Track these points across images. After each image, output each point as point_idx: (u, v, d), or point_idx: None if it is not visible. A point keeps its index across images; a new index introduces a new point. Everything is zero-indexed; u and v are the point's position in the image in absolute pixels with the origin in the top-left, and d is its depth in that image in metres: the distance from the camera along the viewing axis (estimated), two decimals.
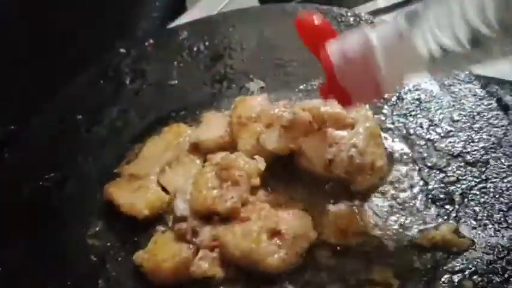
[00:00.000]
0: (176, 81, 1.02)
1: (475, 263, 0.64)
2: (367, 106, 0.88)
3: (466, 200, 0.71)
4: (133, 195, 0.77)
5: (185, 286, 0.66)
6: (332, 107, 0.83)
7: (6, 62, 1.07)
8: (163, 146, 0.86)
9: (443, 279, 0.63)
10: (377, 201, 0.73)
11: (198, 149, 0.84)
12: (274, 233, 0.67)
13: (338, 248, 0.68)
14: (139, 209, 0.74)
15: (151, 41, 1.10)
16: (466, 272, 0.63)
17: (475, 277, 0.62)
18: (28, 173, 0.85)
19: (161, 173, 0.81)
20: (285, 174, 0.78)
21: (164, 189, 0.79)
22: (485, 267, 0.63)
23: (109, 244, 0.73)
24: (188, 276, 0.66)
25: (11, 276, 0.69)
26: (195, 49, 1.08)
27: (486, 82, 0.90)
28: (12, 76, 1.06)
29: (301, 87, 0.96)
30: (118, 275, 0.69)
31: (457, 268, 0.64)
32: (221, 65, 1.04)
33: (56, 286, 0.68)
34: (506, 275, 0.61)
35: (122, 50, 1.08)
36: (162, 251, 0.67)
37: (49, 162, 0.86)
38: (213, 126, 0.87)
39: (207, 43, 1.09)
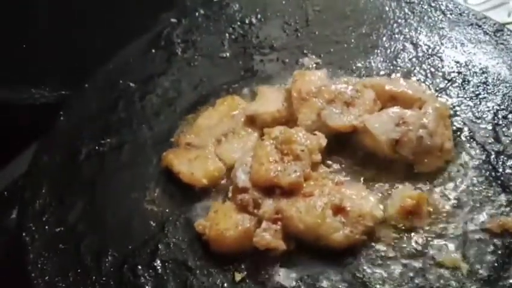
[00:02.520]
0: (227, 54, 1.00)
1: None
2: (430, 87, 0.85)
3: None
4: (191, 164, 0.76)
5: (243, 256, 0.66)
6: (397, 85, 0.80)
7: (59, 28, 1.07)
8: (218, 118, 0.85)
9: None
10: (444, 184, 0.71)
11: (254, 122, 0.83)
12: (339, 210, 0.66)
13: (403, 228, 0.66)
14: (198, 178, 0.74)
15: (202, 11, 1.09)
16: None
17: None
18: (84, 137, 0.85)
19: (218, 144, 0.80)
20: (346, 151, 0.76)
21: (220, 159, 0.78)
22: None
23: (167, 211, 0.73)
24: (250, 247, 0.65)
25: (71, 236, 0.70)
26: (247, 21, 1.06)
27: None
28: (64, 42, 1.07)
29: (359, 64, 0.93)
30: (178, 241, 0.69)
31: None
32: (274, 38, 1.01)
33: (116, 249, 0.68)
34: None
35: (173, 20, 1.07)
36: (224, 221, 0.67)
37: (104, 127, 0.87)
38: (268, 100, 0.86)
39: (259, 16, 1.06)
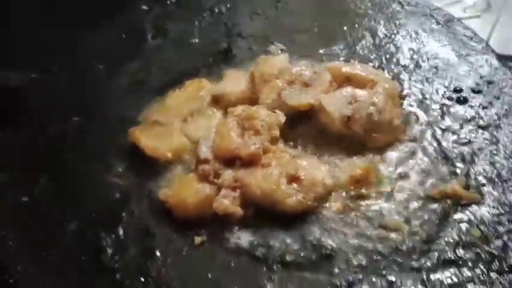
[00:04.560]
0: (197, 40, 1.04)
1: (483, 215, 0.67)
2: (385, 71, 0.91)
3: (476, 159, 0.74)
4: (157, 139, 0.79)
5: (204, 222, 0.69)
6: (351, 68, 0.86)
7: (29, 12, 1.09)
8: (185, 98, 0.89)
9: (451, 227, 0.66)
10: (392, 157, 0.76)
11: (219, 102, 0.87)
12: (293, 179, 0.70)
13: (352, 196, 0.71)
14: (163, 152, 0.77)
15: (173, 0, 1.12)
16: (474, 222, 0.66)
17: (482, 227, 0.65)
18: (52, 115, 0.87)
19: (184, 122, 0.84)
20: (303, 128, 0.81)
21: (186, 137, 0.82)
22: (492, 218, 0.66)
23: (132, 183, 0.76)
24: (210, 213, 0.69)
25: (36, 206, 0.72)
26: (217, 10, 1.10)
27: (500, 55, 0.92)
28: (34, 26, 1.08)
29: (321, 51, 0.98)
30: (141, 210, 0.72)
31: (465, 218, 0.67)
32: (242, 27, 1.06)
33: (80, 217, 0.71)
34: (511, 226, 0.65)
35: (145, 7, 1.10)
36: (186, 189, 0.70)
37: (72, 107, 0.89)
38: (233, 82, 0.90)
39: (228, 5, 1.11)
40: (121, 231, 0.68)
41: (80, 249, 0.66)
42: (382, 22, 1.03)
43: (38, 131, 0.84)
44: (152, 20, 1.08)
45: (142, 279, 0.63)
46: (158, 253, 0.66)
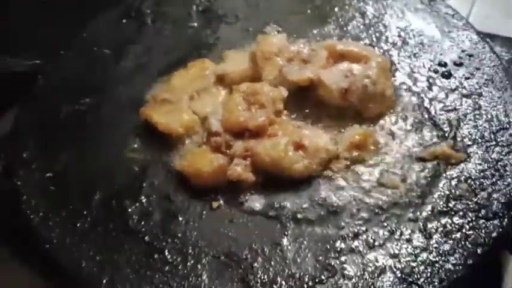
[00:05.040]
0: (195, 24, 1.08)
1: (469, 171, 0.75)
2: (376, 48, 0.98)
3: (462, 123, 0.82)
4: (167, 115, 0.84)
5: (219, 188, 0.75)
6: (346, 45, 0.92)
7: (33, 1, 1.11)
8: (190, 78, 0.94)
9: (442, 184, 0.74)
10: (387, 125, 0.84)
11: (223, 81, 0.92)
12: (299, 146, 0.77)
13: (353, 160, 0.78)
14: (175, 127, 0.82)
15: None
16: (462, 178, 0.75)
17: (469, 181, 0.74)
18: (63, 98, 0.91)
19: (191, 100, 0.89)
20: (305, 102, 0.87)
21: (194, 113, 0.87)
22: (477, 174, 0.75)
23: (148, 157, 0.81)
24: (224, 180, 0.75)
25: (60, 180, 0.77)
26: None
27: (479, 31, 1.00)
28: (38, 14, 1.10)
29: (314, 31, 1.04)
30: (160, 180, 0.77)
31: (454, 175, 0.75)
32: (238, 10, 1.10)
33: (103, 190, 0.76)
34: (494, 179, 0.73)
35: None
36: (201, 160, 0.76)
37: (82, 89, 0.93)
38: (235, 61, 0.95)
39: None
40: (144, 200, 0.74)
41: (107, 217, 0.71)
42: (370, 3, 1.09)
43: (51, 111, 0.88)
44: (150, 5, 1.11)
45: (169, 240, 0.69)
46: (180, 217, 0.72)
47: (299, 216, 0.71)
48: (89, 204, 0.73)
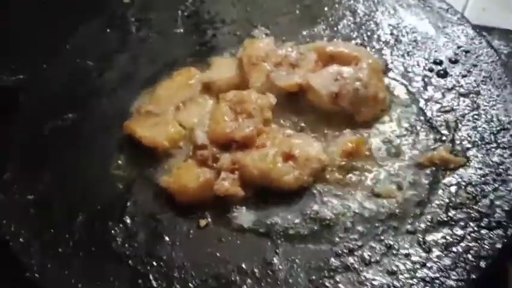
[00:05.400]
0: (181, 30, 1.05)
1: (470, 176, 0.71)
2: (368, 48, 0.94)
3: (460, 125, 0.79)
4: (152, 129, 0.81)
5: (206, 205, 0.72)
6: (335, 47, 0.89)
7: (14, 13, 1.08)
8: (176, 87, 0.90)
9: (441, 191, 0.71)
10: (381, 129, 0.80)
11: (210, 89, 0.89)
12: (289, 157, 0.73)
13: (345, 169, 0.75)
14: (160, 141, 0.79)
15: None
16: (462, 184, 0.71)
17: (469, 187, 0.70)
18: (46, 114, 0.88)
19: (177, 111, 0.86)
20: (294, 108, 0.84)
21: (180, 125, 0.84)
22: (478, 179, 0.71)
23: (132, 174, 0.78)
24: (211, 196, 0.71)
25: (42, 202, 0.74)
26: None
27: (475, 25, 0.96)
28: (18, 27, 1.07)
29: (304, 33, 1.00)
30: (145, 198, 0.74)
31: (454, 181, 0.71)
32: (224, 13, 1.07)
33: (86, 210, 0.73)
34: (496, 185, 0.69)
35: (127, 0, 1.10)
36: (186, 175, 0.73)
37: (65, 104, 0.90)
38: (222, 68, 0.92)
39: None
40: (128, 220, 0.71)
41: (90, 240, 0.68)
42: (361, 0, 1.06)
43: (33, 129, 0.85)
44: (135, 12, 1.08)
45: (154, 263, 0.65)
46: (166, 237, 0.68)
47: (291, 232, 0.68)
48: (71, 227, 0.70)
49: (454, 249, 0.63)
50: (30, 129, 0.85)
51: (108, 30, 1.04)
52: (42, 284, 0.64)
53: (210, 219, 0.71)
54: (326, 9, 1.04)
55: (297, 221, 0.69)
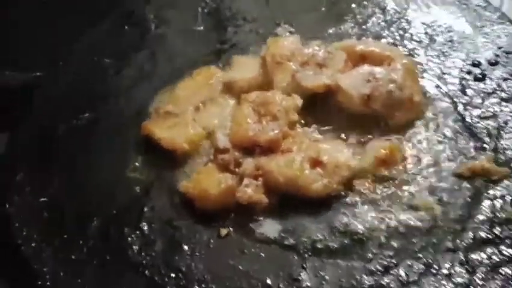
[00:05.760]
0: (202, 27, 1.01)
1: None
2: (400, 47, 0.88)
3: (502, 133, 0.72)
4: (171, 130, 0.77)
5: (228, 212, 0.67)
6: (366, 45, 0.83)
7: (30, 10, 1.06)
8: (195, 87, 0.86)
9: (484, 205, 0.65)
10: (416, 135, 0.74)
11: (231, 90, 0.84)
12: (316, 163, 0.68)
13: (378, 177, 0.69)
14: (179, 143, 0.75)
15: None
16: (507, 198, 0.65)
17: None
18: (61, 113, 0.85)
19: (196, 112, 0.82)
20: (321, 110, 0.78)
21: (200, 126, 0.79)
22: None
23: (150, 177, 0.74)
24: (233, 203, 0.67)
25: (55, 205, 0.70)
26: None
27: None
28: (36, 23, 1.05)
29: (330, 31, 0.95)
30: (163, 204, 0.70)
31: (498, 194, 0.65)
32: (246, 11, 1.02)
33: (101, 215, 0.69)
34: None
35: None
36: (207, 180, 0.68)
37: (81, 103, 0.86)
38: (244, 68, 0.87)
39: None
40: (145, 226, 0.67)
41: (104, 247, 0.65)
42: None
43: (48, 129, 0.82)
44: (153, 9, 1.04)
45: (173, 275, 0.61)
46: (185, 246, 0.64)
47: (319, 245, 0.63)
48: (85, 232, 0.67)
49: (501, 270, 0.57)
50: (45, 129, 0.82)
51: (126, 27, 1.00)
52: None
53: (231, 228, 0.66)
54: (353, 6, 0.99)
55: (325, 233, 0.64)
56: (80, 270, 0.63)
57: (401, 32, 0.92)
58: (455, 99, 0.79)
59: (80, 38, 0.98)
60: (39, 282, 0.61)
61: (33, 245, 0.65)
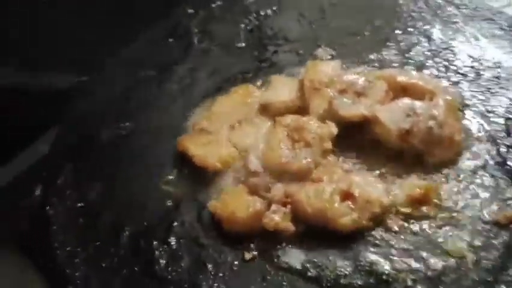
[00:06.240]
0: (243, 44, 1.02)
1: None
2: (443, 80, 0.86)
3: None
4: (205, 148, 0.79)
5: (253, 236, 0.68)
6: (408, 77, 0.82)
7: (79, 16, 1.11)
8: (232, 105, 0.88)
9: None
10: (453, 175, 0.72)
11: (267, 111, 0.85)
12: (347, 196, 0.68)
13: (411, 216, 0.68)
14: (212, 162, 0.76)
15: (219, 2, 1.11)
16: None
17: None
18: (103, 120, 0.89)
19: (231, 130, 0.83)
20: (355, 140, 0.78)
21: (234, 146, 0.81)
22: None
23: (182, 192, 0.76)
24: (260, 227, 0.67)
25: (91, 212, 0.74)
26: (262, 13, 1.08)
27: None
28: (83, 30, 1.10)
29: (372, 57, 0.94)
30: (192, 220, 0.72)
31: None
32: (288, 30, 1.03)
33: (133, 225, 0.72)
34: None
35: (191, 11, 1.10)
36: (235, 202, 0.69)
37: (122, 112, 0.90)
38: (282, 89, 0.88)
39: (274, 7, 1.08)
40: (173, 241, 0.69)
41: (134, 258, 0.67)
42: (438, 26, 0.98)
43: (90, 134, 0.86)
44: (198, 23, 1.07)
45: None
46: (209, 266, 0.65)
47: (342, 281, 0.62)
48: (117, 241, 0.69)
49: None
50: (86, 135, 0.86)
51: (170, 40, 1.04)
52: None
53: (256, 253, 0.67)
54: (397, 32, 0.98)
55: (350, 269, 0.63)
56: (109, 280, 0.65)
57: (445, 63, 0.90)
58: (498, 140, 0.76)
59: (125, 47, 1.02)
60: (70, 287, 0.64)
61: (68, 249, 0.68)
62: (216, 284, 0.64)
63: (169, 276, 0.65)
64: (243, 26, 1.05)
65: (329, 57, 0.95)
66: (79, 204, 0.74)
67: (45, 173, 0.82)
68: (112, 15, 1.14)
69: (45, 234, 0.70)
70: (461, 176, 0.72)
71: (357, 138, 0.77)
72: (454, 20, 0.98)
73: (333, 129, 0.76)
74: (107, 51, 1.01)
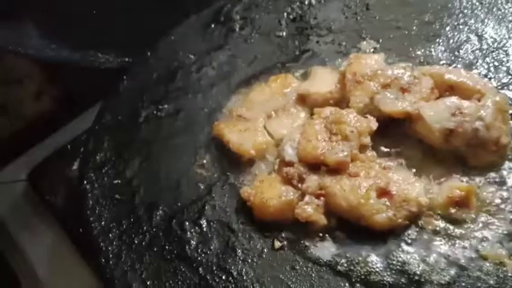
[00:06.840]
0: (284, 33, 1.01)
1: None
2: (492, 80, 0.82)
3: None
4: (241, 134, 0.79)
5: (284, 225, 0.68)
6: (456, 75, 0.78)
7: (127, 1, 1.14)
8: (270, 94, 0.87)
9: None
10: (496, 179, 0.69)
11: (305, 101, 0.84)
12: (384, 193, 0.66)
13: (449, 218, 0.65)
14: (247, 149, 0.76)
15: None
16: None
17: None
18: (144, 101, 0.90)
19: (268, 119, 0.83)
20: (396, 137, 0.75)
21: (269, 134, 0.81)
22: None
23: (215, 176, 0.77)
24: (291, 217, 0.67)
25: (127, 189, 0.76)
26: (306, 2, 1.06)
27: None
28: (130, 14, 1.13)
29: (418, 52, 0.91)
30: (223, 204, 0.72)
31: None
32: (332, 21, 1.01)
33: (166, 205, 0.73)
34: None
35: None
36: (268, 190, 0.69)
37: (162, 94, 0.92)
38: (321, 80, 0.86)
39: None
40: (204, 224, 0.69)
41: (165, 237, 0.68)
42: (491, 24, 0.93)
43: (131, 114, 0.88)
44: (241, 10, 1.07)
45: (223, 277, 0.63)
46: (239, 251, 0.66)
47: (373, 277, 0.61)
48: (150, 219, 0.71)
49: None
50: (127, 114, 0.88)
51: (212, 26, 1.04)
52: (114, 274, 0.65)
53: (285, 242, 0.67)
54: (447, 28, 0.93)
55: (381, 266, 0.62)
56: (140, 256, 0.67)
57: (496, 63, 0.85)
58: None
59: (169, 32, 1.04)
60: (103, 259, 0.66)
61: (102, 223, 0.70)
62: (244, 270, 0.64)
63: (199, 258, 0.66)
64: (285, 14, 1.04)
65: (372, 50, 0.93)
66: (116, 181, 0.77)
67: (85, 148, 0.84)
68: (159, 2, 1.16)
69: (81, 208, 0.72)
70: (504, 179, 0.68)
71: (397, 134, 0.75)
72: (509, 18, 0.92)
73: (373, 124, 0.74)
74: (153, 35, 1.03)
